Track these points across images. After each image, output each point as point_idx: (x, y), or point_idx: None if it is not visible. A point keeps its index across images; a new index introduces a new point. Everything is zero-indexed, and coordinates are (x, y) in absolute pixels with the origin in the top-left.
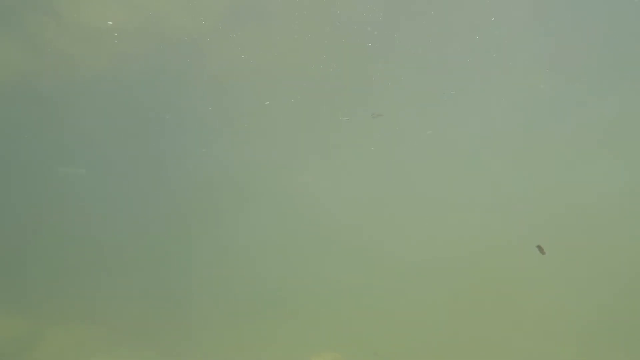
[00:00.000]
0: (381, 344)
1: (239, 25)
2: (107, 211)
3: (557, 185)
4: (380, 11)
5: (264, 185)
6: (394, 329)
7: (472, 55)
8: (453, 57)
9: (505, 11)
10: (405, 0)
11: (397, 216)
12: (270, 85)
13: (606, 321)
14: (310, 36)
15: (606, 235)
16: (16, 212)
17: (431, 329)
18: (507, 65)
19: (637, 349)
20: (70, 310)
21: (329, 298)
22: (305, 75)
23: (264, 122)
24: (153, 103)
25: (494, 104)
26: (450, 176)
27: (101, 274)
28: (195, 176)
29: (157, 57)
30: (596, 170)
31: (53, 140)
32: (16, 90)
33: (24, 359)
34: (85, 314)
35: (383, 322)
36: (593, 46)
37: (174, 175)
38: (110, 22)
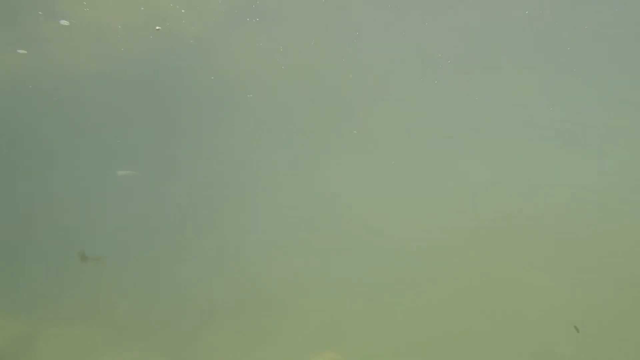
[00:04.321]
0: (382, 343)
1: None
2: (108, 211)
3: (559, 185)
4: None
5: (262, 185)
6: (394, 329)
7: (481, 58)
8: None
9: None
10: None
11: (396, 217)
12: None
13: (604, 318)
14: (317, 36)
15: (605, 230)
16: (16, 212)
17: (432, 328)
18: (512, 67)
19: (635, 347)
20: (70, 311)
21: (329, 298)
22: (312, 77)
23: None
24: (154, 102)
25: (497, 106)
26: (450, 176)
27: (102, 274)
28: (197, 176)
29: (158, 56)
30: (595, 168)
31: (53, 140)
32: (16, 90)
33: (24, 359)
34: (85, 314)
35: (383, 322)
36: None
37: (176, 174)
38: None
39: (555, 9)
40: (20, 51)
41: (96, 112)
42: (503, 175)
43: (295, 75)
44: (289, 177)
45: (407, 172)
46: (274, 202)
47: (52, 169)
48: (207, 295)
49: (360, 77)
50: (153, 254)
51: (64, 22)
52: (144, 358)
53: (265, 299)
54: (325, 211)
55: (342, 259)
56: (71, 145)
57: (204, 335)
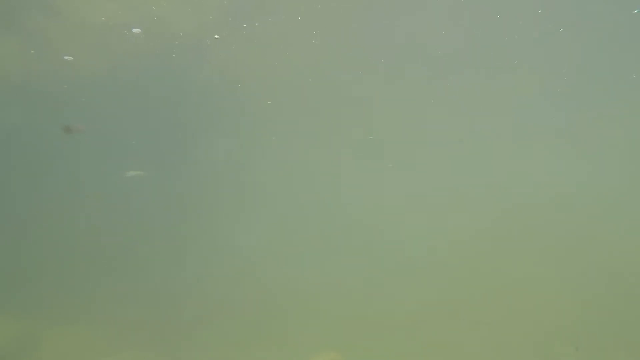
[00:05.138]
0: (381, 343)
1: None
2: (108, 211)
3: (557, 188)
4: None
5: (264, 186)
6: (395, 330)
7: (477, 59)
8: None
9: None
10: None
11: (395, 217)
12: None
13: (604, 318)
14: (317, 36)
15: (607, 230)
16: (16, 213)
17: (431, 328)
18: (512, 66)
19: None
20: (71, 311)
21: (329, 298)
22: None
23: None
24: (154, 102)
25: (494, 106)
26: (452, 177)
27: (102, 274)
28: (196, 176)
29: (158, 56)
30: (597, 168)
31: (53, 139)
32: (16, 90)
33: (24, 359)
34: (85, 314)
35: (383, 322)
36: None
37: (174, 174)
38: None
39: (556, 9)
40: (66, 57)
41: (124, 115)
42: (505, 176)
43: (315, 82)
44: (291, 179)
45: (407, 172)
46: (276, 202)
47: (53, 168)
48: (207, 295)
49: (371, 80)
50: (153, 253)
51: (136, 30)
52: (144, 358)
53: (265, 299)
54: (326, 211)
55: (343, 259)
56: (76, 146)
57: (203, 335)
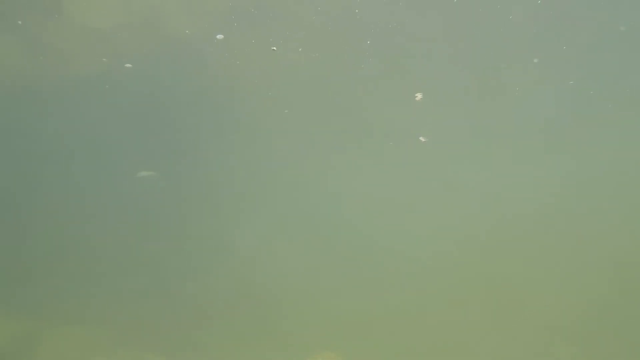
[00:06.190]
0: (381, 343)
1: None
2: (108, 211)
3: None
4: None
5: (263, 185)
6: (394, 329)
7: (474, 57)
8: (455, 58)
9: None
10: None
11: (395, 215)
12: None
13: (603, 318)
14: (314, 36)
15: (605, 230)
16: (15, 212)
17: (431, 328)
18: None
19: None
20: (71, 311)
21: (329, 297)
22: (308, 76)
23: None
24: (153, 103)
25: (491, 103)
26: (445, 175)
27: (101, 274)
28: (194, 176)
29: (158, 56)
30: (595, 168)
31: (51, 140)
32: (16, 90)
33: (24, 359)
34: (85, 314)
35: (383, 322)
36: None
37: (173, 175)
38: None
39: (554, 9)
40: (127, 65)
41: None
42: (502, 177)
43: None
44: (291, 178)
45: (408, 173)
46: (272, 200)
47: (53, 168)
48: (206, 295)
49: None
50: (152, 253)
51: (219, 37)
52: (143, 358)
53: (264, 299)
54: (326, 211)
55: (343, 259)
56: (78, 146)
57: (202, 335)
